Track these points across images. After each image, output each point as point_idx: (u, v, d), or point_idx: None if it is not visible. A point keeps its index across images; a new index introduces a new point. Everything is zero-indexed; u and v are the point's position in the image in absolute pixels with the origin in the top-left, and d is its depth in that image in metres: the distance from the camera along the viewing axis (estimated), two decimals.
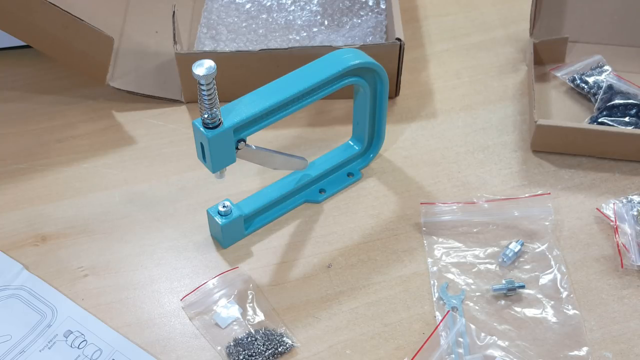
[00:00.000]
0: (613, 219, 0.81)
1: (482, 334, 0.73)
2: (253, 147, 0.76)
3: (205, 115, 0.69)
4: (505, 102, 0.97)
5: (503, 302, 0.76)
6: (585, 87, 0.95)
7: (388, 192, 0.87)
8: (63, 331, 0.74)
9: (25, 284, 0.78)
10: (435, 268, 0.79)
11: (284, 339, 0.73)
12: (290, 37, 1.03)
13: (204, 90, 0.67)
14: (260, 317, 0.75)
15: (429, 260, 0.80)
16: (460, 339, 0.72)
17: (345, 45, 0.87)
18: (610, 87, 0.92)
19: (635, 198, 0.83)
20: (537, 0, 0.99)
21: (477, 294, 0.77)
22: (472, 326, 0.73)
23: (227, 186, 0.86)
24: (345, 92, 0.84)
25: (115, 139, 0.93)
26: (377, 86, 0.82)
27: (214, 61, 0.67)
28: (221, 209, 0.79)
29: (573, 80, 0.97)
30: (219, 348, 0.73)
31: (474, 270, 0.79)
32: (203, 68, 0.66)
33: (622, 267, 0.78)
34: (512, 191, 0.86)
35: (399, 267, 0.79)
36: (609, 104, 0.91)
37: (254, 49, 0.97)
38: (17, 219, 0.84)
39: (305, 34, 1.03)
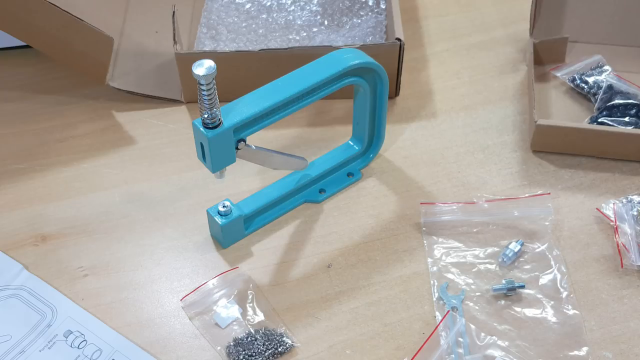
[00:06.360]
0: (613, 219, 0.81)
1: (482, 334, 0.73)
2: (253, 147, 0.76)
3: (205, 115, 0.69)
4: (505, 102, 0.97)
5: (503, 302, 0.76)
6: (585, 87, 0.95)
7: (388, 192, 0.87)
8: (63, 331, 0.74)
9: (25, 284, 0.78)
10: (435, 268, 0.79)
11: (284, 339, 0.73)
12: (290, 37, 1.03)
13: (204, 90, 0.67)
14: (260, 317, 0.75)
15: (429, 260, 0.79)
16: (460, 339, 0.72)
17: (345, 45, 0.87)
18: (610, 87, 0.92)
19: (635, 198, 0.83)
20: (537, 0, 0.99)
21: (477, 294, 0.77)
22: (472, 326, 0.73)
23: (227, 186, 0.86)
24: (345, 92, 0.84)
25: (115, 139, 0.93)
26: (377, 86, 0.82)
27: (214, 61, 0.67)
28: (221, 209, 0.79)
29: (573, 80, 0.97)
30: (219, 348, 0.73)
31: (474, 270, 0.79)
32: (203, 68, 0.66)
33: (622, 267, 0.78)
34: (512, 191, 0.86)
35: (399, 267, 0.79)
36: (609, 104, 0.91)
37: (254, 49, 0.96)
38: (17, 219, 0.84)
39: (305, 34, 1.03)
